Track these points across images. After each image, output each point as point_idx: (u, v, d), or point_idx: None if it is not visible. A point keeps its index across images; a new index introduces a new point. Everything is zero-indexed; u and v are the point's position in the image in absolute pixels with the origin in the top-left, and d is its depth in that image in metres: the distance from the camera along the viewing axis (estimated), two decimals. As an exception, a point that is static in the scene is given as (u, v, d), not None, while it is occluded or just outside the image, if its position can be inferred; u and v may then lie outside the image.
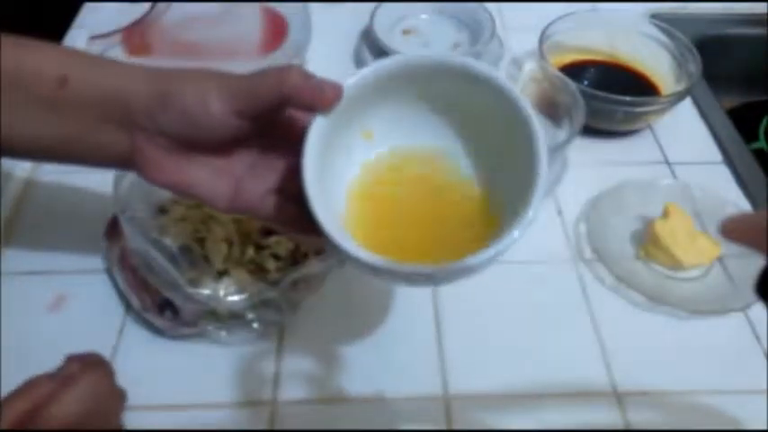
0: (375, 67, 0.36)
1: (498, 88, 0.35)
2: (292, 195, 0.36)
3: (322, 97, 0.34)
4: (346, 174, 0.39)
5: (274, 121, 0.36)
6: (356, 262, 0.33)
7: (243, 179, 0.37)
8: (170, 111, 0.34)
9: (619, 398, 0.45)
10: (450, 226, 0.38)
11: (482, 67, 0.36)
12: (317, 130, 0.34)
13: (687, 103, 0.68)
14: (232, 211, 0.37)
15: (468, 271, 0.33)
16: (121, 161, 0.37)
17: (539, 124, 0.34)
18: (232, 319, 0.46)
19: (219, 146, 0.36)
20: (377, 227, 0.38)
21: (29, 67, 0.36)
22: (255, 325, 0.46)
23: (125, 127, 0.36)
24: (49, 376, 0.36)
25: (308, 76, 0.34)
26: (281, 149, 0.37)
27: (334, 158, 0.37)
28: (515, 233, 0.32)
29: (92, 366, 0.37)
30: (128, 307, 0.49)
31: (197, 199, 0.37)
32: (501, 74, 0.36)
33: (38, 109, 0.36)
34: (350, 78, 0.35)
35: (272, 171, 0.37)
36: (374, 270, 0.33)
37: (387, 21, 0.71)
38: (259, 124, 0.35)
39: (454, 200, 0.38)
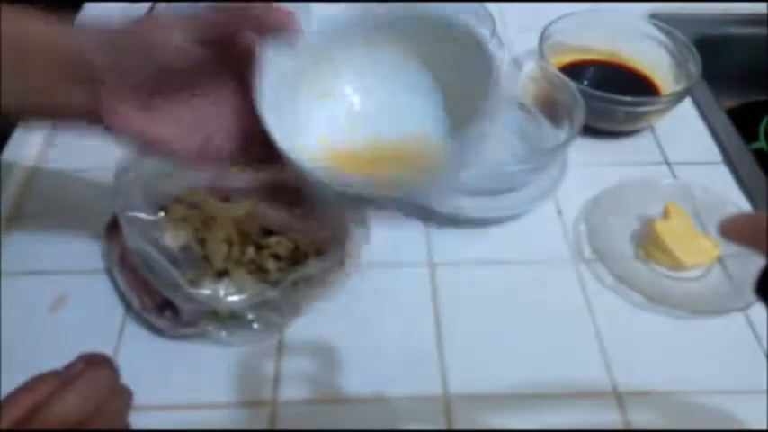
0: (335, 16, 0.37)
1: (459, 31, 0.37)
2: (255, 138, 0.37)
3: (283, 21, 0.35)
4: (308, 117, 0.40)
5: (233, 59, 0.37)
6: (311, 176, 0.34)
7: (211, 136, 0.38)
8: (136, 49, 0.36)
9: (619, 398, 0.45)
10: (410, 161, 0.40)
11: (443, 13, 0.37)
12: (273, 70, 0.35)
13: (687, 104, 0.68)
14: (199, 164, 0.39)
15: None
16: (90, 116, 0.37)
17: (495, 55, 0.36)
18: (232, 319, 0.46)
19: (185, 92, 0.37)
20: (338, 160, 0.39)
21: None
22: (256, 325, 0.46)
23: (89, 83, 0.36)
24: (54, 374, 0.36)
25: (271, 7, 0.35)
26: (246, 97, 0.38)
27: (295, 99, 0.38)
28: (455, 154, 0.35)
29: (94, 364, 0.37)
30: (128, 307, 0.49)
31: (163, 151, 0.38)
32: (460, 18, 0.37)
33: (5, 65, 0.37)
34: (308, 25, 0.36)
35: (234, 116, 0.38)
36: (329, 183, 0.34)
37: (387, 21, 0.71)
38: (219, 59, 0.36)
39: (417, 142, 0.40)
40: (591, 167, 0.61)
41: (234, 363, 0.46)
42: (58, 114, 0.39)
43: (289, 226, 0.49)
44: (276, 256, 0.48)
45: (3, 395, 0.39)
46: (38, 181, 0.58)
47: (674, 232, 0.52)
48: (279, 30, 0.35)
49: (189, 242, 0.47)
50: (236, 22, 0.35)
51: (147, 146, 0.38)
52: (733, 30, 0.80)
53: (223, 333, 0.46)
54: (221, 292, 0.45)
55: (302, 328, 0.48)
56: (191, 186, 0.51)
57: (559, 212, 0.58)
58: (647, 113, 0.63)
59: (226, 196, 0.50)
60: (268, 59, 0.35)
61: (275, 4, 0.35)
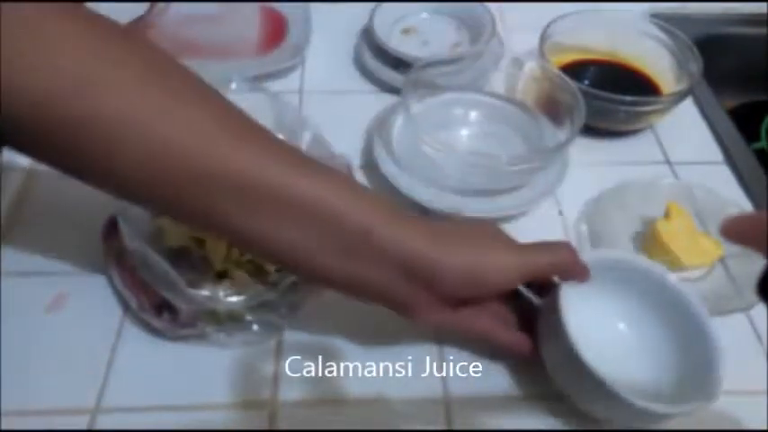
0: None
1: None
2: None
3: (583, 273, 0.42)
4: None
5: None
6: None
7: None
8: (476, 287, 0.40)
9: (619, 399, 0.45)
10: None
11: None
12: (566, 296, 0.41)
13: (688, 103, 0.67)
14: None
15: None
16: (393, 305, 0.41)
17: None
18: (231, 320, 0.46)
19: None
20: None
21: (334, 210, 0.36)
22: (255, 326, 0.46)
23: (413, 283, 0.38)
24: None
25: (575, 252, 0.42)
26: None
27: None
28: None
29: None
30: (126, 308, 0.49)
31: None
32: None
33: (338, 252, 0.37)
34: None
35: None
36: None
37: (386, 20, 0.71)
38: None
39: None
40: (592, 167, 0.61)
41: (233, 364, 0.46)
42: (368, 295, 0.40)
43: None
44: (275, 257, 0.47)
45: (2, 395, 0.39)
46: (37, 181, 0.58)
47: (675, 233, 0.51)
48: (581, 279, 0.42)
49: (188, 243, 0.47)
50: (551, 272, 0.42)
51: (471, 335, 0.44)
52: (734, 29, 0.80)
53: (222, 334, 0.46)
54: (220, 293, 0.45)
55: (301, 328, 0.48)
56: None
57: (560, 212, 0.57)
58: (648, 113, 0.62)
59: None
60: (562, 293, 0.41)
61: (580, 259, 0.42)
